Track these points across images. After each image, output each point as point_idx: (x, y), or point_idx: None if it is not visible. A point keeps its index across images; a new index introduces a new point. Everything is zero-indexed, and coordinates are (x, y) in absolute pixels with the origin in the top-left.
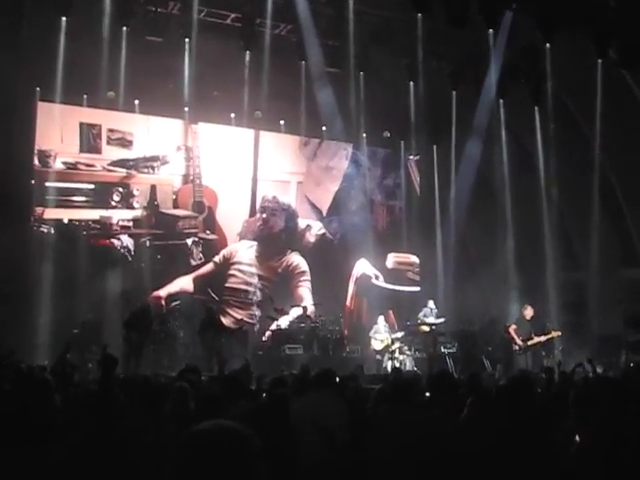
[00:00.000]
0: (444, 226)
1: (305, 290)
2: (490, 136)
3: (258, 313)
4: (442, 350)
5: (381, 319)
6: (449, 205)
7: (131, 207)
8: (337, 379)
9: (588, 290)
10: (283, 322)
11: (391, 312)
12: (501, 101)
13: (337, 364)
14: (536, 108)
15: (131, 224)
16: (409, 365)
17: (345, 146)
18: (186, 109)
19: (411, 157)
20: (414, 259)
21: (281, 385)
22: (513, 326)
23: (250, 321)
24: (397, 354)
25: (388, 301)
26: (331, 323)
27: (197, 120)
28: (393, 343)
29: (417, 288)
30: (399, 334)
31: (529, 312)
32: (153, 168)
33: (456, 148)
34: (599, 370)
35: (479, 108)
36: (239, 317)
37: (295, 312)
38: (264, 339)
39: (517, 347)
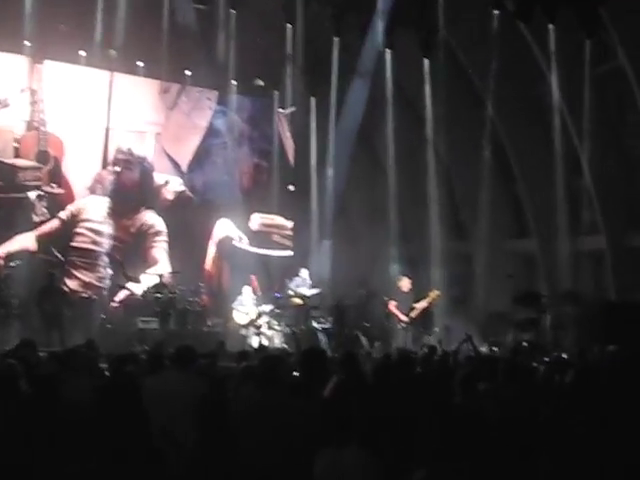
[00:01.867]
0: (320, 187)
1: (160, 252)
2: (375, 89)
3: (108, 276)
4: (315, 325)
5: (246, 290)
6: (326, 164)
7: None
8: (196, 357)
9: (475, 262)
10: (136, 289)
11: (254, 277)
12: (388, 51)
13: (196, 340)
14: (426, 60)
15: None
16: (278, 342)
17: (210, 94)
18: (27, 44)
19: (281, 110)
20: (281, 221)
21: (132, 363)
22: (393, 302)
23: (99, 284)
24: (264, 329)
25: (254, 267)
26: (191, 294)
27: (42, 58)
28: (260, 317)
29: (288, 252)
30: (267, 307)
31: (405, 284)
32: None
33: (337, 101)
34: (483, 349)
35: (363, 58)
36: (87, 280)
37: (150, 280)
38: (113, 309)
39: (400, 322)
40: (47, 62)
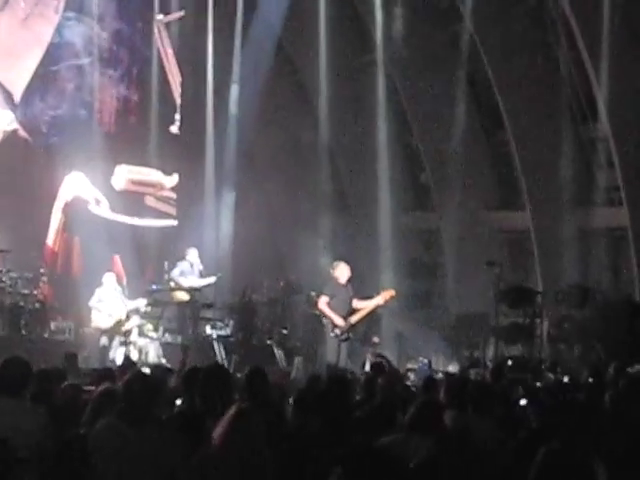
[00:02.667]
0: (219, 129)
1: None
2: None
3: None
4: (208, 331)
5: (109, 279)
6: (229, 98)
7: None
8: (32, 376)
9: (442, 243)
10: None
11: (117, 259)
12: None
13: (34, 351)
14: None
15: None
16: (153, 354)
17: None
18: None
19: (161, 17)
20: (159, 177)
21: None
22: (324, 298)
23: None
24: (134, 337)
25: (118, 245)
26: (26, 283)
27: None
28: (128, 319)
29: (169, 222)
30: (138, 303)
31: (342, 273)
32: None
33: (245, 8)
34: (451, 368)
35: None
36: None
37: None
38: None
39: (336, 329)
40: None
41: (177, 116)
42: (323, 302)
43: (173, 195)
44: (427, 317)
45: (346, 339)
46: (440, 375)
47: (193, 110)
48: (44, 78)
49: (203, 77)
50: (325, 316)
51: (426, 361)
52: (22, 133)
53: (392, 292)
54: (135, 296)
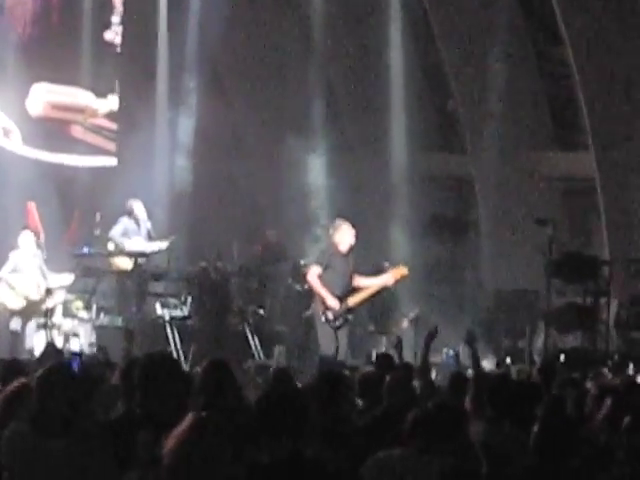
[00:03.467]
0: (174, 37)
1: None
2: None
3: None
4: (159, 312)
5: (27, 239)
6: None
7: None
8: None
9: (476, 195)
10: None
11: (32, 208)
12: None
13: None
14: None
15: None
16: (84, 342)
17: None
18: None
19: None
20: (91, 100)
21: None
22: (316, 268)
23: None
24: (58, 317)
25: (34, 190)
26: None
27: None
28: (50, 294)
29: (106, 160)
30: (64, 276)
31: (343, 237)
32: None
33: None
34: (487, 364)
35: None
36: None
37: None
38: None
39: (327, 311)
40: None
41: (114, 19)
42: (314, 274)
43: (110, 124)
44: (454, 294)
45: (340, 326)
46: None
47: (139, 10)
48: None
49: None
50: (315, 293)
51: (452, 353)
52: None
53: (404, 270)
54: (56, 260)
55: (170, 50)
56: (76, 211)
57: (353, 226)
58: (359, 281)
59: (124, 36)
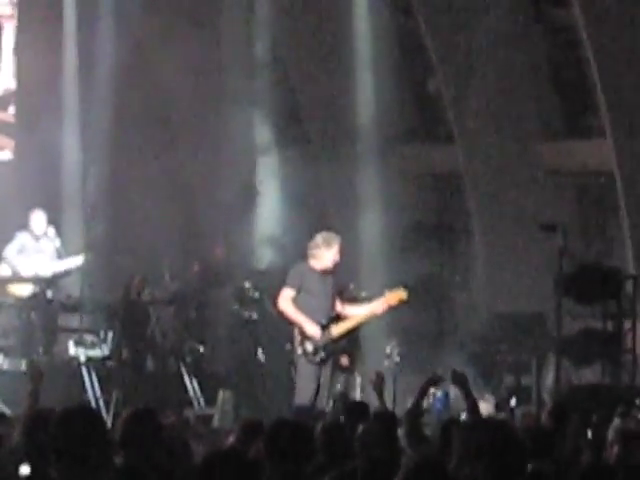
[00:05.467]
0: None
1: None
2: None
3: None
4: (72, 352)
5: None
6: None
7: None
8: None
9: (467, 194)
10: None
11: None
12: None
13: None
14: None
15: None
16: None
17: None
18: None
19: None
20: None
21: None
22: (288, 291)
23: None
24: None
25: None
26: None
27: None
28: None
29: (2, 154)
30: None
31: (325, 251)
32: None
33: None
34: (484, 407)
35: None
36: None
37: None
38: None
39: (306, 342)
40: None
41: None
42: (286, 298)
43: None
44: (442, 320)
45: (323, 360)
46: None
47: None
48: None
49: None
50: (290, 321)
51: (441, 395)
52: None
53: (402, 294)
54: None
55: (79, 21)
56: None
57: (337, 235)
58: (344, 308)
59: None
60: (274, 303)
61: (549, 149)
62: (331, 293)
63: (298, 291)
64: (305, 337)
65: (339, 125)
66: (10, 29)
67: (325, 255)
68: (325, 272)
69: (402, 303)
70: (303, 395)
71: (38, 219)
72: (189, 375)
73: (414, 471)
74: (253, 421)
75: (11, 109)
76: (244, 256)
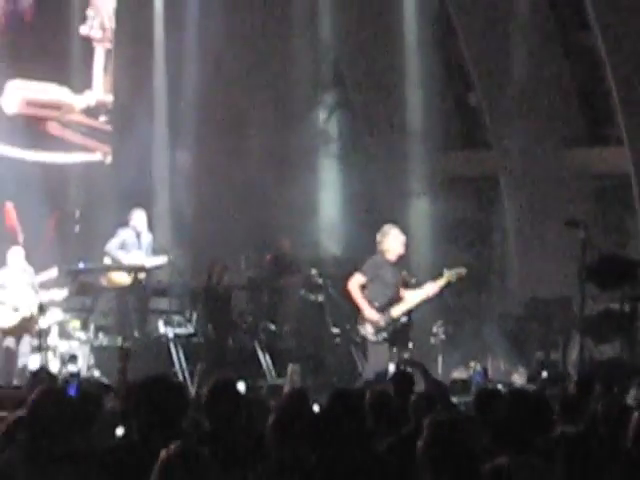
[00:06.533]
0: (170, 33)
1: None
2: None
3: None
4: (162, 330)
5: (16, 255)
6: None
7: None
8: None
9: (502, 195)
10: None
11: (10, 208)
12: None
13: None
14: None
15: None
16: (83, 364)
17: None
18: None
19: None
20: (67, 96)
21: None
22: (359, 277)
23: None
24: (54, 339)
25: (12, 188)
26: None
27: None
28: (43, 312)
29: (88, 157)
30: (56, 294)
31: (393, 244)
32: None
33: None
34: (517, 379)
35: None
36: None
37: None
38: None
39: (366, 324)
40: None
41: (90, 12)
42: (356, 283)
43: (88, 121)
44: (480, 303)
45: (385, 339)
46: (501, 387)
47: (132, 4)
48: None
49: None
50: (354, 303)
51: (480, 368)
52: None
53: (461, 270)
54: (38, 266)
55: (167, 44)
56: (55, 211)
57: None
58: (403, 293)
59: (117, 33)
60: (342, 287)
61: (573, 154)
62: (397, 281)
63: (371, 280)
64: (364, 320)
65: (393, 132)
66: (101, 51)
67: (394, 247)
68: (393, 262)
69: (461, 278)
70: (370, 368)
71: (139, 217)
72: (262, 351)
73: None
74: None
75: (101, 118)
76: (310, 247)
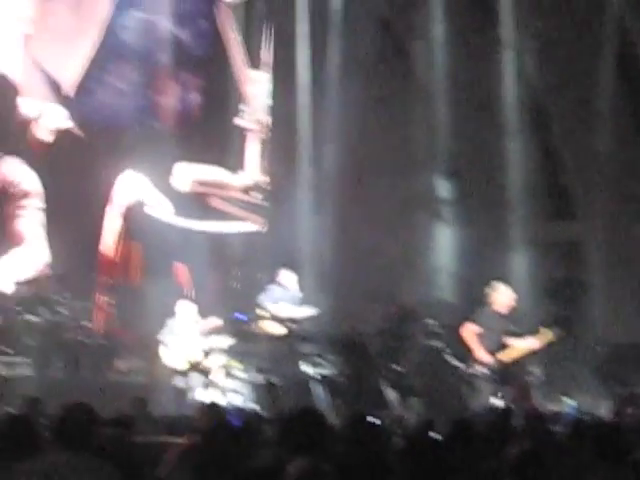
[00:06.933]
0: (315, 124)
1: (31, 225)
2: None
3: None
4: (307, 370)
5: (185, 309)
6: (326, 85)
7: None
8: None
9: (589, 258)
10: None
11: (182, 268)
12: None
13: (98, 395)
14: None
15: None
16: (242, 398)
17: None
18: None
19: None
20: (226, 176)
21: None
22: (472, 326)
23: None
24: (219, 377)
25: (183, 252)
26: (87, 314)
27: None
28: (209, 356)
29: (244, 227)
30: (221, 340)
31: (501, 298)
32: None
33: None
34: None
35: None
36: None
37: (15, 291)
38: None
39: (476, 365)
40: None
41: (243, 107)
42: (469, 330)
43: (244, 197)
44: (570, 348)
45: (493, 379)
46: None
47: (281, 102)
48: (99, 70)
49: (291, 54)
50: (468, 347)
51: (573, 403)
52: (76, 131)
53: (551, 335)
54: (204, 316)
55: (313, 135)
56: (216, 271)
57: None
58: (510, 341)
59: (273, 122)
60: (456, 332)
61: None
62: (504, 330)
63: (481, 327)
64: (476, 361)
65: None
66: (254, 139)
67: (502, 300)
68: (502, 313)
69: (550, 342)
70: (478, 402)
71: (289, 276)
72: (389, 387)
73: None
74: None
75: (255, 194)
76: (429, 298)
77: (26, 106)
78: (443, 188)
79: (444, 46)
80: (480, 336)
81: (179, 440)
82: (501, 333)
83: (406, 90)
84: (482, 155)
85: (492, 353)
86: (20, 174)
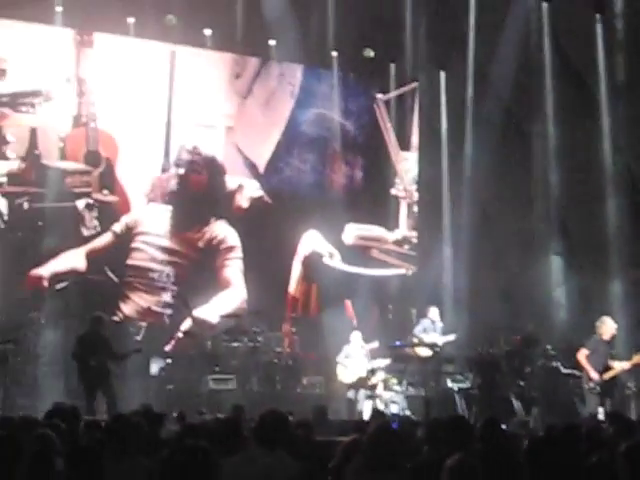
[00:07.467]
0: (453, 192)
1: (234, 272)
2: (528, 57)
3: (169, 300)
4: (450, 385)
5: (356, 337)
6: (462, 160)
7: (4, 157)
8: (288, 428)
9: None
10: (210, 316)
11: (349, 304)
12: (546, 5)
13: (287, 405)
14: (598, 16)
15: (4, 180)
16: (398, 407)
17: (291, 77)
18: (59, 9)
19: (380, 96)
20: (383, 233)
21: (200, 436)
22: (584, 350)
23: (159, 310)
24: (380, 390)
25: (350, 291)
26: (277, 341)
27: (76, 25)
28: (374, 373)
29: (396, 271)
30: (381, 363)
31: (607, 329)
32: (33, 106)
33: (475, 75)
34: None
35: (512, 14)
36: (145, 305)
37: (221, 307)
38: (175, 346)
39: (590, 382)
40: (95, 42)
41: (397, 180)
42: (582, 354)
43: (397, 249)
44: None
45: (601, 393)
46: None
47: (428, 175)
48: (282, 151)
49: (437, 141)
50: (582, 368)
51: None
52: (266, 199)
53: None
54: (367, 341)
55: (452, 199)
56: (374, 307)
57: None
58: (612, 363)
59: (420, 190)
60: (569, 355)
61: None
62: (608, 353)
63: (592, 352)
64: (589, 379)
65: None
66: (405, 203)
67: (608, 331)
68: (607, 341)
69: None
70: (586, 411)
71: (434, 311)
72: (515, 399)
73: None
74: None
75: (406, 246)
76: (547, 327)
77: (230, 181)
78: (556, 240)
79: (555, 125)
80: (589, 358)
81: (349, 438)
82: (606, 356)
83: (526, 159)
84: (586, 211)
85: (599, 372)
86: (227, 232)
